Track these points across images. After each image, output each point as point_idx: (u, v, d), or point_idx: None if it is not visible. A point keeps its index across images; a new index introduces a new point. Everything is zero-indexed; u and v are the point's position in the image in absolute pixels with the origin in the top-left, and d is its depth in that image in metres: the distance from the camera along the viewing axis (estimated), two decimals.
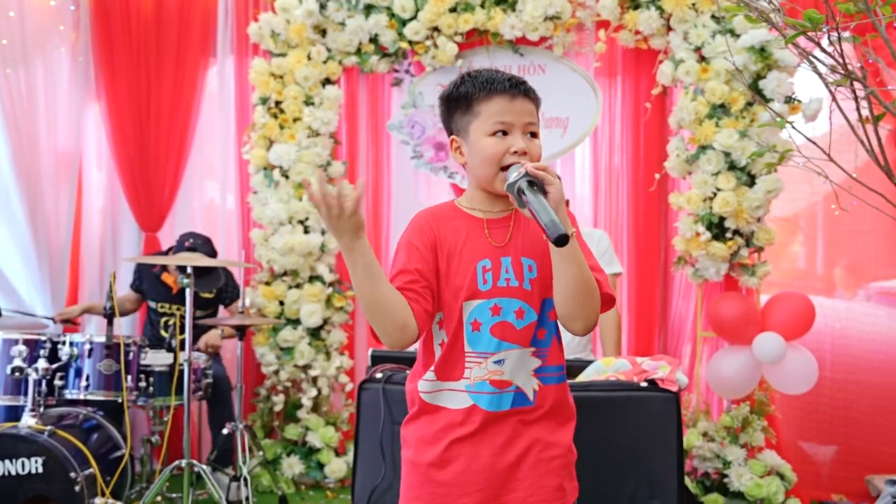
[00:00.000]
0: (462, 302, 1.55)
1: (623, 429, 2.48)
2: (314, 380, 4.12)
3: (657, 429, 2.49)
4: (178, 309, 3.97)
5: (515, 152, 1.53)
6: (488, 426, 1.55)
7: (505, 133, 1.55)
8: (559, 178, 1.55)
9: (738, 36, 3.57)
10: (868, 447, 3.96)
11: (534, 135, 1.58)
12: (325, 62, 4.13)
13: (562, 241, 1.39)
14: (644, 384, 2.53)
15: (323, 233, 4.10)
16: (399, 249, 1.60)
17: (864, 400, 4.00)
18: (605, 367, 2.68)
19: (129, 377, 3.37)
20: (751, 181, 3.60)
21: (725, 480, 3.62)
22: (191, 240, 3.80)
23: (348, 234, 1.41)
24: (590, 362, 2.77)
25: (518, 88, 1.56)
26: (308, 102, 4.12)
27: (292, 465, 4.00)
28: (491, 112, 1.55)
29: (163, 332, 3.94)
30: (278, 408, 4.13)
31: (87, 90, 4.50)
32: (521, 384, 1.56)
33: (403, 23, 4.00)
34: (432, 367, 1.58)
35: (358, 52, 4.13)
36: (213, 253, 3.88)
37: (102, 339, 3.35)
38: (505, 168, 1.53)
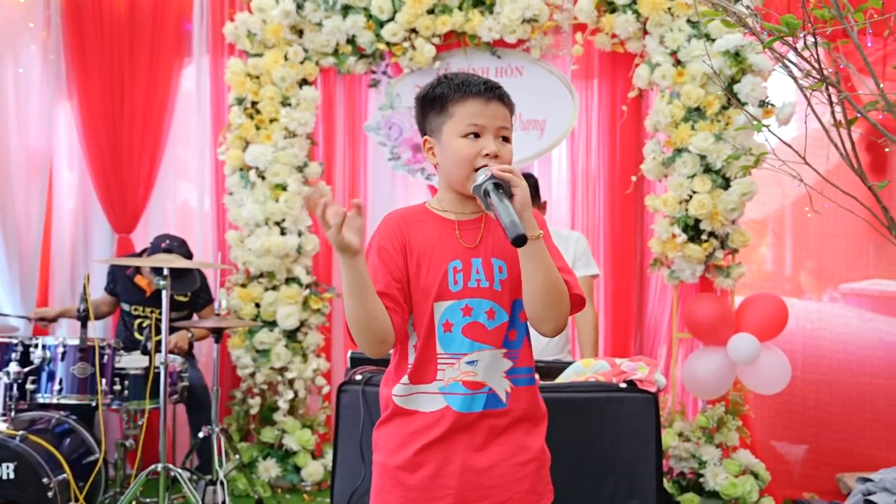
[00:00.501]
0: (433, 303, 1.56)
1: (602, 430, 2.49)
2: (291, 382, 4.09)
3: (636, 429, 2.51)
4: (151, 312, 3.92)
5: (487, 154, 1.54)
6: (460, 429, 1.55)
7: (477, 135, 1.56)
8: (534, 177, 1.57)
9: (714, 40, 3.61)
10: (839, 446, 4.03)
11: (506, 139, 1.60)
12: (301, 63, 4.10)
13: (519, 241, 1.40)
14: (623, 385, 2.55)
15: (300, 234, 4.07)
16: (370, 250, 1.60)
17: (834, 399, 4.07)
18: (585, 369, 2.69)
19: (104, 380, 3.32)
20: (726, 184, 3.64)
21: (701, 480, 3.66)
22: (167, 241, 3.76)
23: (341, 252, 1.43)
24: (569, 364, 2.78)
25: (493, 92, 1.58)
26: (285, 103, 4.09)
27: (269, 469, 3.97)
28: (464, 114, 1.56)
29: (137, 335, 3.89)
30: (254, 411, 4.09)
31: (59, 89, 4.42)
32: (493, 386, 1.57)
33: (381, 24, 3.99)
34: (406, 373, 1.58)
35: (335, 52, 4.11)
36: (188, 255, 3.85)
37: (76, 341, 3.30)
38: (477, 170, 1.54)
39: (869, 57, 2.71)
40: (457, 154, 1.56)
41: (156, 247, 3.76)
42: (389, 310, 1.51)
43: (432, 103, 1.61)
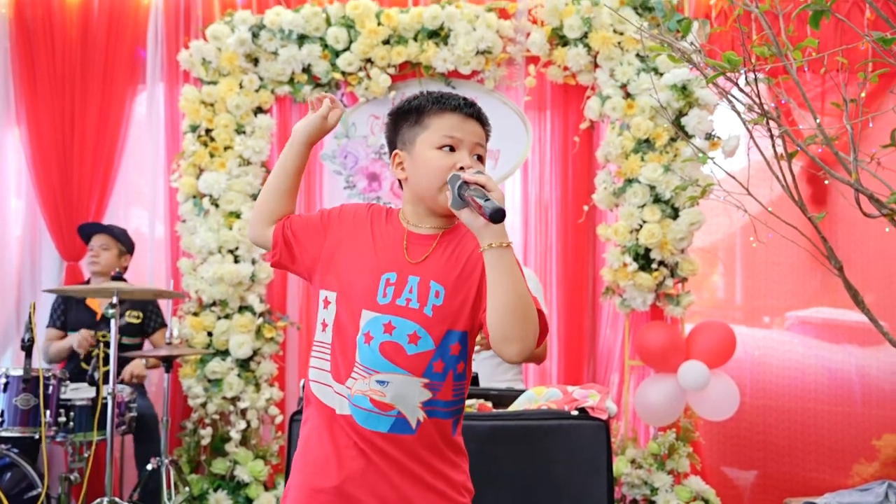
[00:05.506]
0: (360, 309, 1.51)
1: (554, 457, 2.51)
2: (243, 412, 4.02)
3: (588, 457, 2.53)
4: (103, 336, 3.84)
5: (461, 168, 1.50)
6: (369, 443, 1.49)
7: (452, 149, 1.53)
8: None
9: (662, 74, 3.72)
10: (786, 470, 4.10)
11: (480, 158, 1.57)
12: (257, 91, 4.10)
13: (498, 214, 1.35)
14: (575, 412, 2.57)
15: (253, 262, 4.04)
16: (321, 211, 1.66)
17: (781, 425, 4.15)
18: (537, 397, 2.71)
19: (48, 412, 3.23)
20: (675, 214, 3.73)
21: None
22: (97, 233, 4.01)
23: (308, 136, 1.70)
24: (521, 392, 2.80)
25: (471, 109, 1.57)
26: (239, 131, 4.08)
27: (220, 501, 3.89)
28: (441, 126, 1.54)
29: (83, 365, 3.80)
30: (205, 441, 4.01)
31: (7, 114, 4.34)
32: (404, 411, 1.48)
33: (337, 54, 4.01)
34: (328, 361, 1.54)
35: (290, 81, 4.12)
36: (130, 242, 4.05)
37: (19, 372, 3.21)
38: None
39: (808, 93, 2.81)
40: (429, 165, 1.52)
41: (85, 235, 4.02)
42: (283, 221, 1.63)
43: (406, 115, 1.59)
